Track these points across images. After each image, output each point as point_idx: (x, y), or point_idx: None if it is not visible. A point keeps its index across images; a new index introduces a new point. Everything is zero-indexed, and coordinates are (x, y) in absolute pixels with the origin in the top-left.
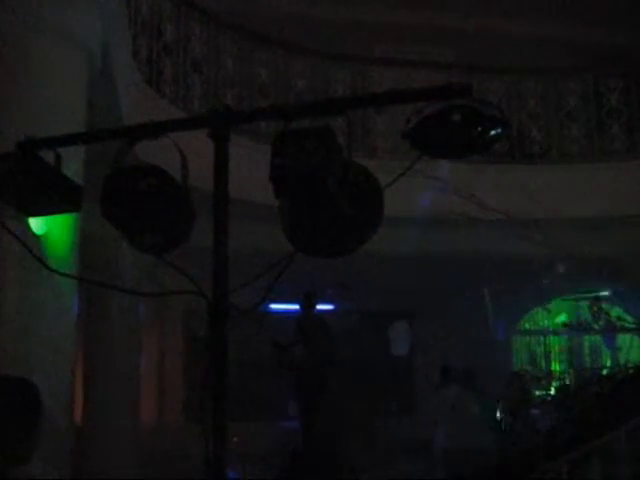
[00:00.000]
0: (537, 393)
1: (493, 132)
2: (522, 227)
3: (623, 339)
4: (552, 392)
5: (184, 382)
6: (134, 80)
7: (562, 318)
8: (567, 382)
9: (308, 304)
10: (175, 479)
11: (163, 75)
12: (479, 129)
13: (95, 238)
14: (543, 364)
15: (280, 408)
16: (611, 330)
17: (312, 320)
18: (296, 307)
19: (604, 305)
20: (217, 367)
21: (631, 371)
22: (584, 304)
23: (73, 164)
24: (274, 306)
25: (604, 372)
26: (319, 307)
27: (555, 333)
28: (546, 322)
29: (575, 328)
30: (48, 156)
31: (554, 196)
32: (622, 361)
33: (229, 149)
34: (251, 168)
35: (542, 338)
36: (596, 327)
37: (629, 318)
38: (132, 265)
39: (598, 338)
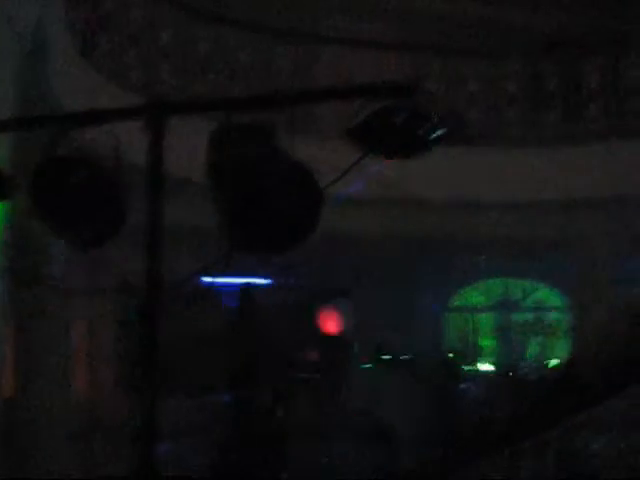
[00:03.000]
0: (466, 369)
1: (439, 132)
2: (458, 209)
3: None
4: (481, 368)
5: (117, 354)
6: (68, 53)
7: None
8: (497, 361)
9: (245, 299)
10: (108, 450)
11: (99, 48)
12: (424, 129)
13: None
14: (472, 341)
15: (214, 383)
16: (539, 309)
17: (248, 318)
18: (239, 280)
19: (531, 284)
20: (148, 345)
21: (571, 371)
22: (514, 283)
23: (1, 151)
24: (211, 279)
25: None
26: (255, 281)
27: (485, 311)
28: (477, 300)
29: (505, 306)
30: None
31: (490, 179)
32: (548, 350)
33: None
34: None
35: (472, 316)
36: (524, 305)
37: (555, 298)
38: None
39: (526, 316)
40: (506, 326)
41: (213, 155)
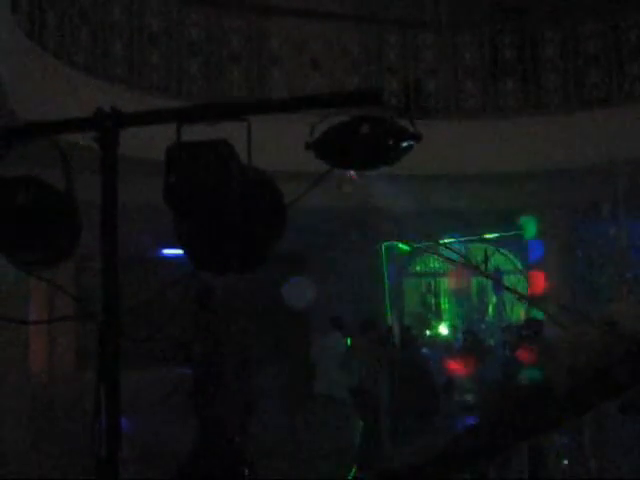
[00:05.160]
0: (427, 333)
1: (405, 144)
2: (416, 181)
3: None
4: (442, 332)
5: (76, 331)
6: (14, 34)
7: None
8: (456, 324)
9: (205, 301)
10: (68, 429)
11: (47, 28)
12: (390, 142)
13: None
14: (433, 305)
15: (175, 355)
16: (498, 273)
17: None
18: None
19: (490, 249)
20: (108, 318)
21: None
22: (475, 247)
23: None
24: (167, 251)
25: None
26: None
27: (445, 275)
28: (436, 265)
29: (465, 270)
30: None
31: (448, 150)
32: (507, 313)
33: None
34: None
35: (432, 280)
36: (484, 269)
37: (516, 262)
38: None
39: (485, 280)
40: (466, 289)
41: (169, 176)
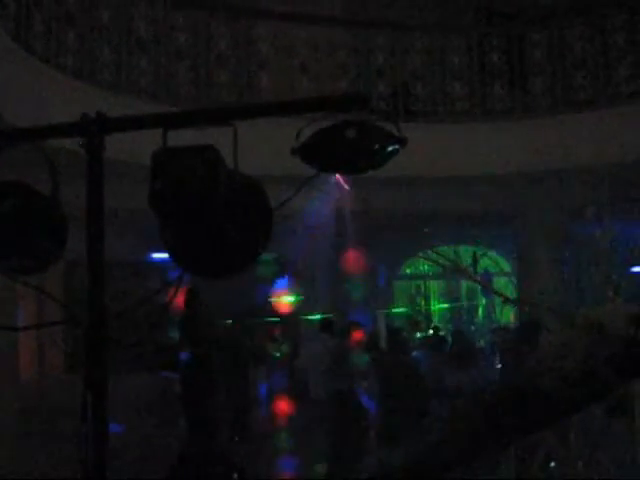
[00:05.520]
0: (418, 335)
1: (390, 148)
2: (405, 183)
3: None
4: (431, 333)
5: (65, 334)
6: (0, 38)
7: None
8: (447, 326)
9: (191, 302)
10: (57, 433)
11: (33, 30)
12: (376, 146)
13: None
14: (422, 307)
15: (162, 359)
16: (487, 275)
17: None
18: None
19: (479, 251)
20: (94, 323)
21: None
22: (465, 249)
23: None
24: (156, 255)
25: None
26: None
27: (435, 278)
28: (426, 267)
29: (454, 273)
30: None
31: (436, 153)
32: (497, 315)
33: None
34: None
35: (422, 282)
36: (473, 272)
37: (502, 263)
38: None
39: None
40: (456, 292)
41: (155, 182)
